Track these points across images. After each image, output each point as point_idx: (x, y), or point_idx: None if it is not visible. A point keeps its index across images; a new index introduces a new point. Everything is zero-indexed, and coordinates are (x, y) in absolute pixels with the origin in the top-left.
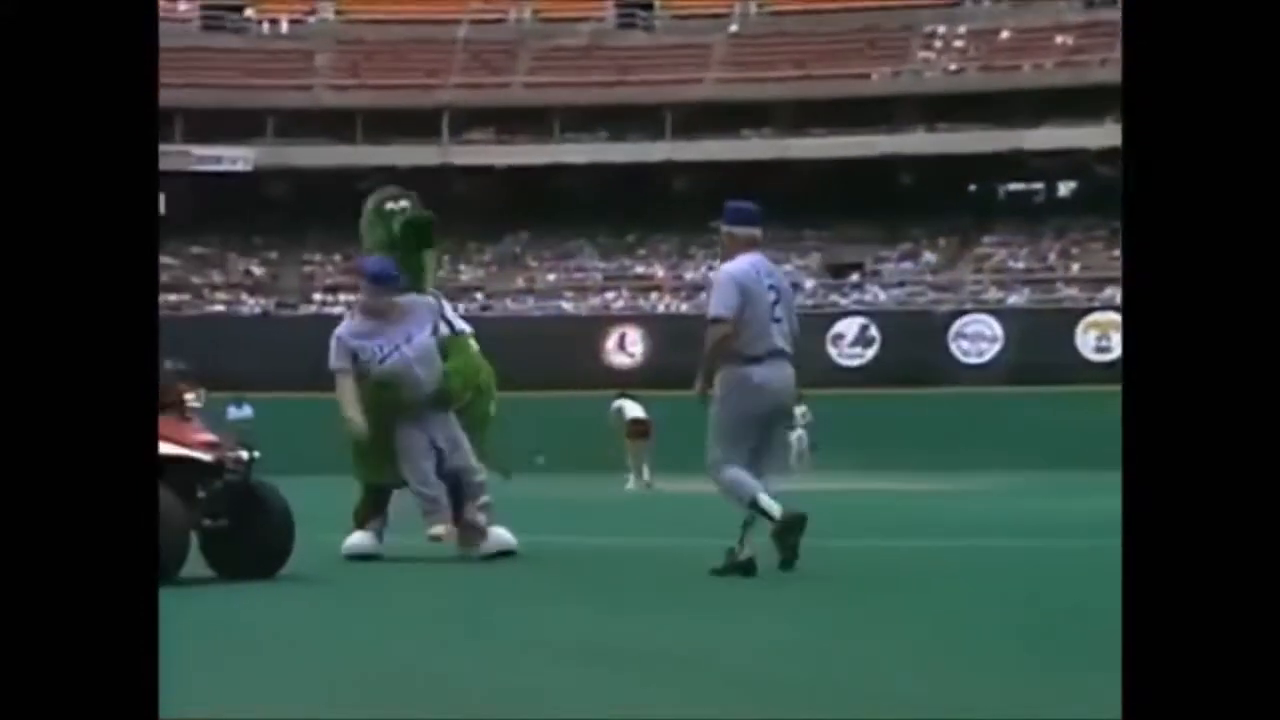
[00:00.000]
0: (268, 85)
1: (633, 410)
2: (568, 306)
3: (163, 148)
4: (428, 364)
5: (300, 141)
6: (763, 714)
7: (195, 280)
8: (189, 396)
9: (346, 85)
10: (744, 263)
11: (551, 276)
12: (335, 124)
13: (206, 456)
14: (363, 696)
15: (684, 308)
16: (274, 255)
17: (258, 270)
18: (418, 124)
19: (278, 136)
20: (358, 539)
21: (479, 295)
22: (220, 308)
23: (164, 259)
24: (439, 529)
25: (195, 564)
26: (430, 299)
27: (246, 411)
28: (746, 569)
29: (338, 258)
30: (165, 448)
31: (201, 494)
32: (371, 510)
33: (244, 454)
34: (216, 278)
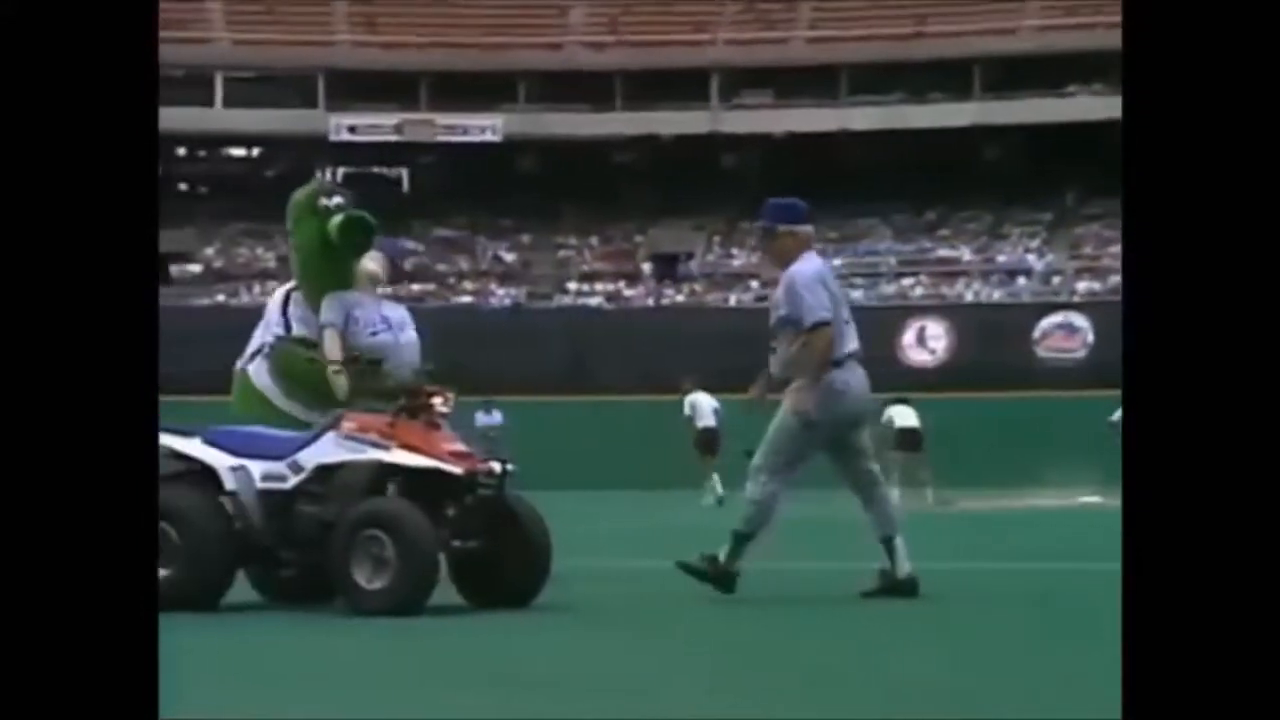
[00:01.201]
0: (517, 44)
1: (904, 418)
2: (857, 295)
3: (406, 116)
4: (409, 355)
5: (553, 108)
6: None
7: (441, 268)
8: (436, 401)
9: (604, 43)
10: (818, 263)
11: (838, 261)
12: (591, 88)
13: (456, 469)
14: None
15: (996, 295)
16: (526, 239)
17: (508, 256)
18: (684, 86)
19: (529, 102)
20: None
21: (753, 283)
22: (468, 298)
23: (408, 243)
24: None
25: (443, 590)
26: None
27: (496, 418)
28: (907, 588)
29: (595, 241)
30: (411, 458)
31: (451, 511)
32: None
33: (496, 465)
34: (464, 264)
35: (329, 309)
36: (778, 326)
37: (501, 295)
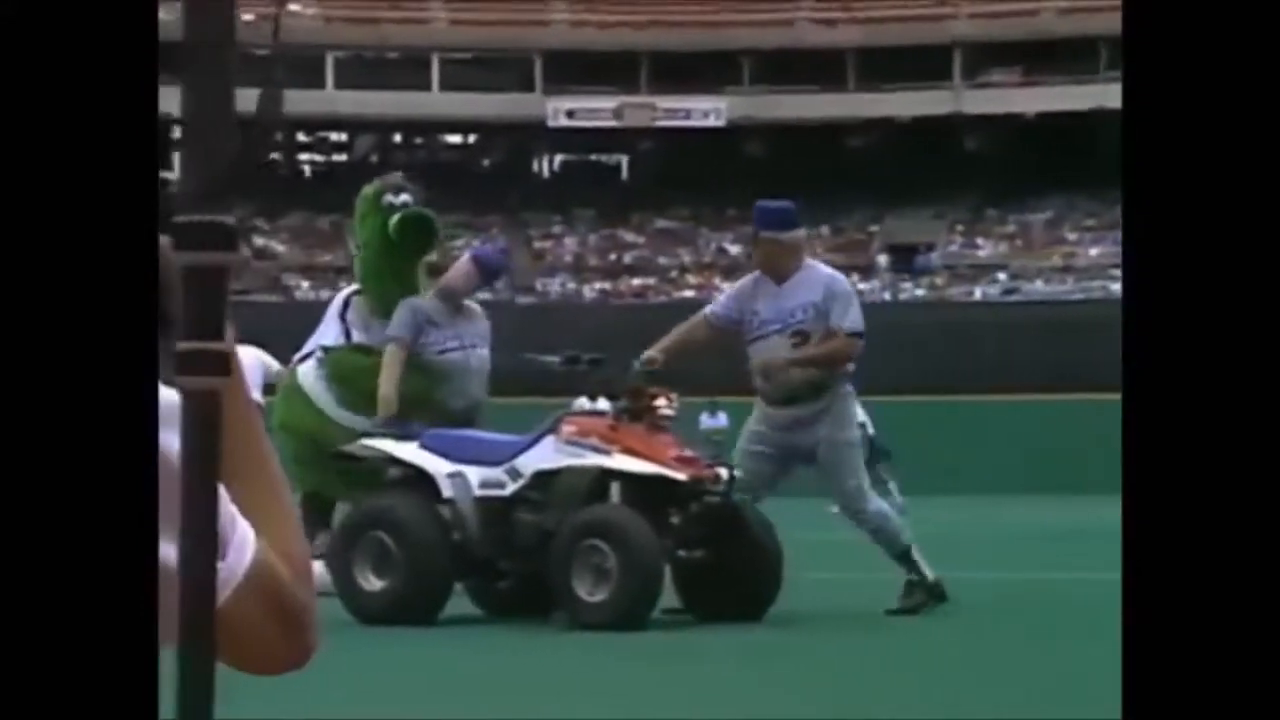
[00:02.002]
0: (742, 21)
1: None
2: (1116, 288)
3: (626, 99)
4: (478, 379)
5: (781, 89)
6: None
7: (662, 261)
8: (659, 403)
9: (835, 19)
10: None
11: (1095, 251)
12: (822, 67)
13: (681, 475)
14: None
15: None
16: (751, 229)
17: (733, 248)
18: (923, 64)
19: (755, 83)
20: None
21: (1000, 275)
22: (690, 293)
23: (628, 235)
24: None
25: (668, 600)
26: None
27: (721, 420)
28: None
29: (826, 231)
30: (634, 464)
31: (675, 519)
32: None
33: (723, 471)
34: (686, 257)
35: (399, 322)
36: (813, 329)
37: (725, 289)
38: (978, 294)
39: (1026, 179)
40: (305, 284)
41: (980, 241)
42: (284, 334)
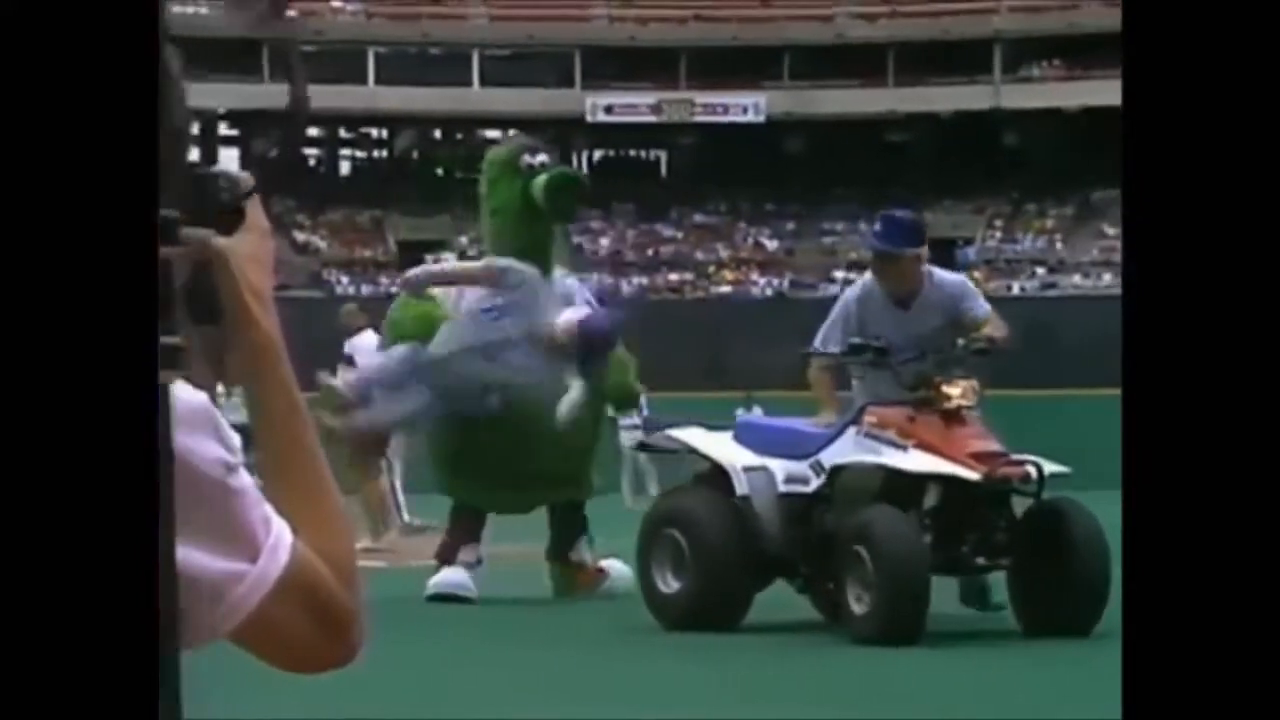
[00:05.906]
0: (782, 16)
1: None
2: None
3: (665, 95)
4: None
5: (821, 84)
6: None
7: (700, 256)
8: (953, 391)
9: (876, 14)
10: None
11: None
12: (862, 62)
13: (973, 474)
14: None
15: None
16: (790, 225)
17: (771, 243)
18: (964, 59)
19: (794, 79)
20: (448, 575)
21: (1039, 270)
22: (727, 289)
23: (666, 230)
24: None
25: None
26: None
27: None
28: None
29: (864, 226)
30: (924, 462)
31: (976, 523)
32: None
33: (1032, 469)
34: (724, 252)
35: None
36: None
37: (763, 285)
38: (1015, 288)
39: (1065, 174)
40: (345, 279)
41: (1019, 236)
42: (325, 329)
